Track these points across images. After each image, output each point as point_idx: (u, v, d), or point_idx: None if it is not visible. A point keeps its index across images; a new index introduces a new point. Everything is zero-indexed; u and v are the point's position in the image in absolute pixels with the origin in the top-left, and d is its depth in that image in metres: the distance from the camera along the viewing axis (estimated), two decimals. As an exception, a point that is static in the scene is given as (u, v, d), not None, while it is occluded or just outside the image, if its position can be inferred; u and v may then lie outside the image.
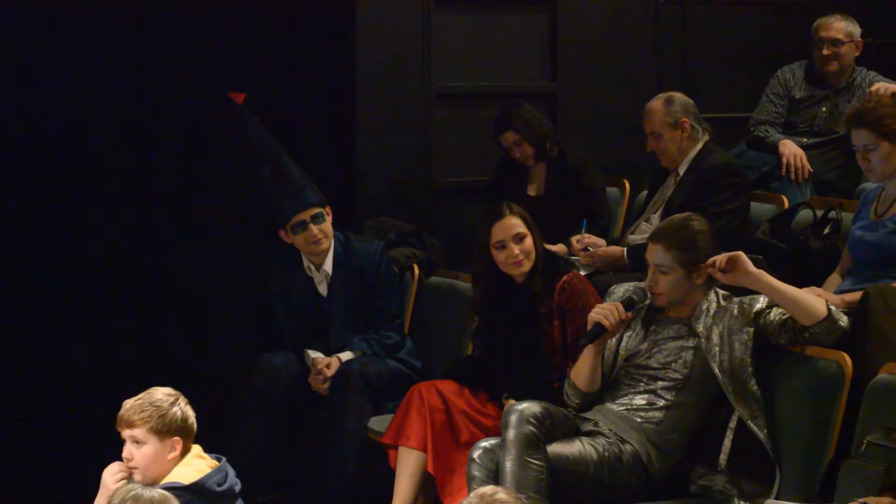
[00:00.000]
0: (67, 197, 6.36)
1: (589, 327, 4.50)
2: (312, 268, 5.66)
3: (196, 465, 3.97)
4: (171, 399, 3.98)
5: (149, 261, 6.45)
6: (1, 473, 5.95)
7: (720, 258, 4.38)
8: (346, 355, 5.52)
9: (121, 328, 6.42)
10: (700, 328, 4.42)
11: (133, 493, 3.20)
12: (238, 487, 3.98)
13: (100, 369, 6.32)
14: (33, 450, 6.18)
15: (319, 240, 5.57)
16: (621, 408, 4.50)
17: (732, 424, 4.32)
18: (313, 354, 5.54)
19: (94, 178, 6.36)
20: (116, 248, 6.41)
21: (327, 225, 5.59)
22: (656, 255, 4.47)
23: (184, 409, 3.99)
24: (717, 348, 4.37)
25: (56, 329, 6.38)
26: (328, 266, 5.64)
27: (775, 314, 4.35)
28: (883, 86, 5.81)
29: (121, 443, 4.03)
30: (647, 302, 4.60)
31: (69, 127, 6.30)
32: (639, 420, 4.46)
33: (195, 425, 4.04)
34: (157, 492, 3.20)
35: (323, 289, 5.66)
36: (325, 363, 5.47)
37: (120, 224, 6.41)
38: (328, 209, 5.61)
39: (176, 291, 6.47)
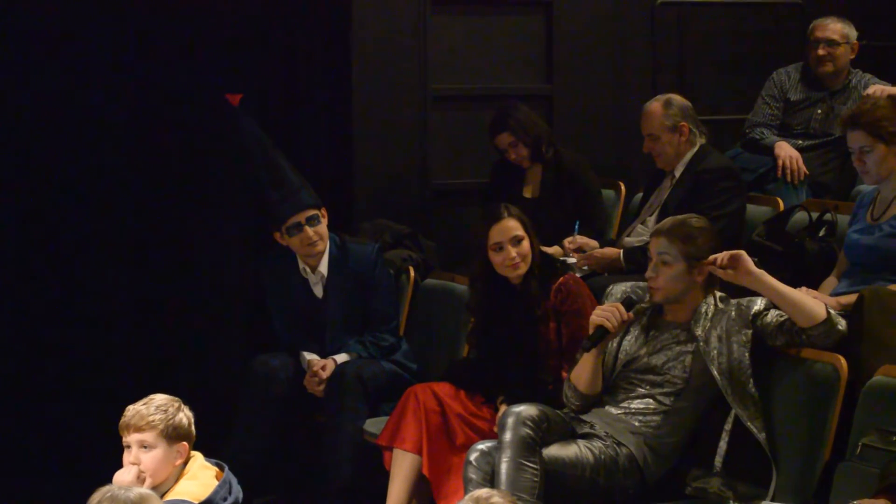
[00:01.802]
0: (64, 199, 6.35)
1: (591, 330, 4.49)
2: (308, 270, 5.65)
3: (201, 478, 3.95)
4: (175, 405, 3.97)
5: (145, 263, 6.45)
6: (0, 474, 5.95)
7: (722, 255, 4.38)
8: (342, 357, 5.52)
9: (118, 330, 6.42)
10: (699, 332, 4.41)
11: (110, 493, 3.18)
12: (241, 496, 3.97)
13: (97, 372, 6.32)
14: (30, 453, 6.17)
15: (315, 242, 5.56)
16: (620, 411, 4.50)
17: (728, 426, 4.32)
18: (309, 356, 5.54)
19: (91, 178, 6.35)
20: (113, 249, 6.41)
21: (323, 227, 5.58)
22: (660, 244, 4.46)
23: (187, 414, 3.99)
24: (715, 351, 4.36)
25: (53, 331, 6.37)
26: (324, 268, 5.63)
27: (773, 316, 4.35)
28: (879, 88, 5.80)
29: (116, 446, 4.01)
30: (647, 306, 4.59)
31: (67, 128, 6.30)
32: (637, 424, 4.45)
33: (195, 431, 4.04)
34: (134, 492, 3.18)
35: (318, 291, 5.65)
36: (321, 365, 5.46)
37: (116, 225, 6.41)
38: (324, 211, 5.60)
39: (172, 293, 6.46)
